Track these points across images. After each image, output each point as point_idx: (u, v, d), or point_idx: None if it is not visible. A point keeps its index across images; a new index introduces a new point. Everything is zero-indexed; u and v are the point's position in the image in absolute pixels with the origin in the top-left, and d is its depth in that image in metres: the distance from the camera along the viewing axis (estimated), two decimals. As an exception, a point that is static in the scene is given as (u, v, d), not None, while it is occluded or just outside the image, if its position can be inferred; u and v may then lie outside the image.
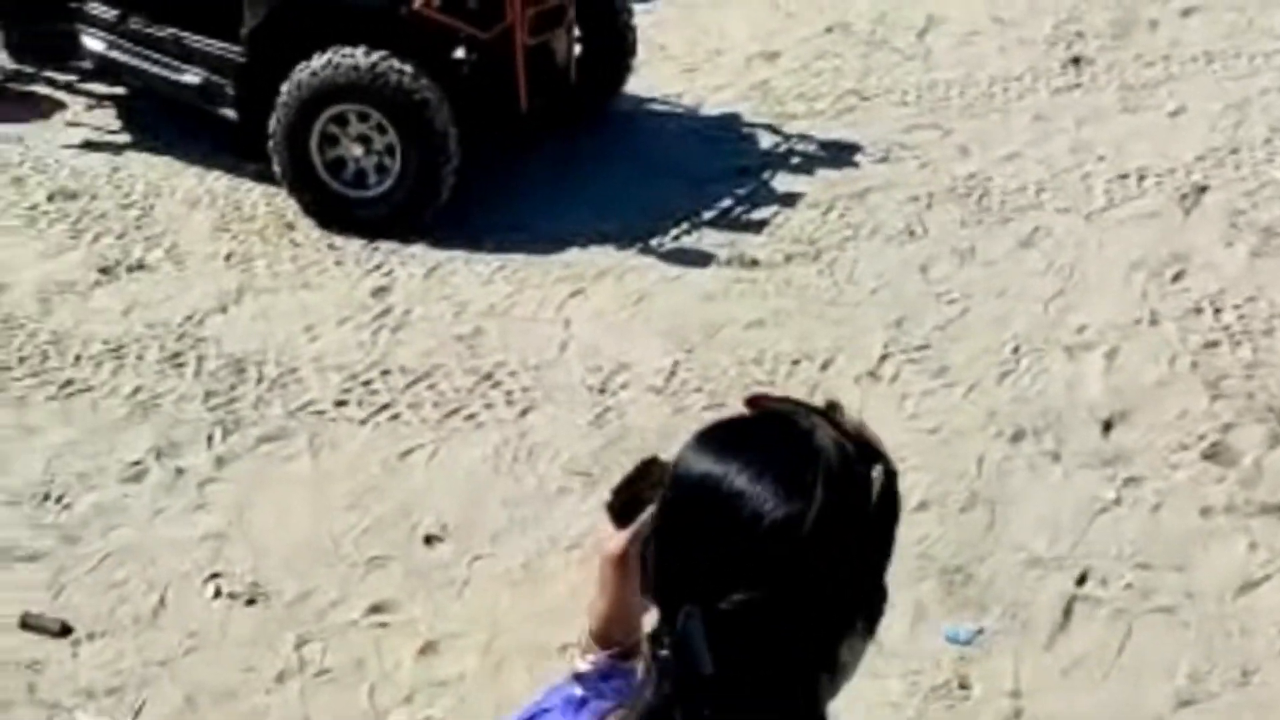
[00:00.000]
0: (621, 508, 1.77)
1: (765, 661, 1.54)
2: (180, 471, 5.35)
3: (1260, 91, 8.15)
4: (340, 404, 5.71)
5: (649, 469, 1.76)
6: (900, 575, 4.76)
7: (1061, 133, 7.79)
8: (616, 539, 1.78)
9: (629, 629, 1.82)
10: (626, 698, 1.67)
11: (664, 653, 1.56)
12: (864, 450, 1.57)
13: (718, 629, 1.52)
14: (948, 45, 8.76)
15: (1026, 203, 7.16)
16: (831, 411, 1.61)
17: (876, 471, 1.56)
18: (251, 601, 4.81)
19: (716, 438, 1.60)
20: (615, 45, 7.87)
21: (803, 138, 7.77)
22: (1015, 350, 6.01)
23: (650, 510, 1.69)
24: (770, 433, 1.59)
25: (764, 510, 1.52)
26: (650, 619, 1.64)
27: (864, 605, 1.58)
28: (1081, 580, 4.87)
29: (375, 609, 4.79)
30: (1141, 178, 7.28)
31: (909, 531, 4.93)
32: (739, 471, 1.54)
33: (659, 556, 1.61)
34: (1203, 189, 7.20)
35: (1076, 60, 8.58)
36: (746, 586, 1.51)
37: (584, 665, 1.85)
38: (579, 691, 1.79)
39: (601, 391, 5.82)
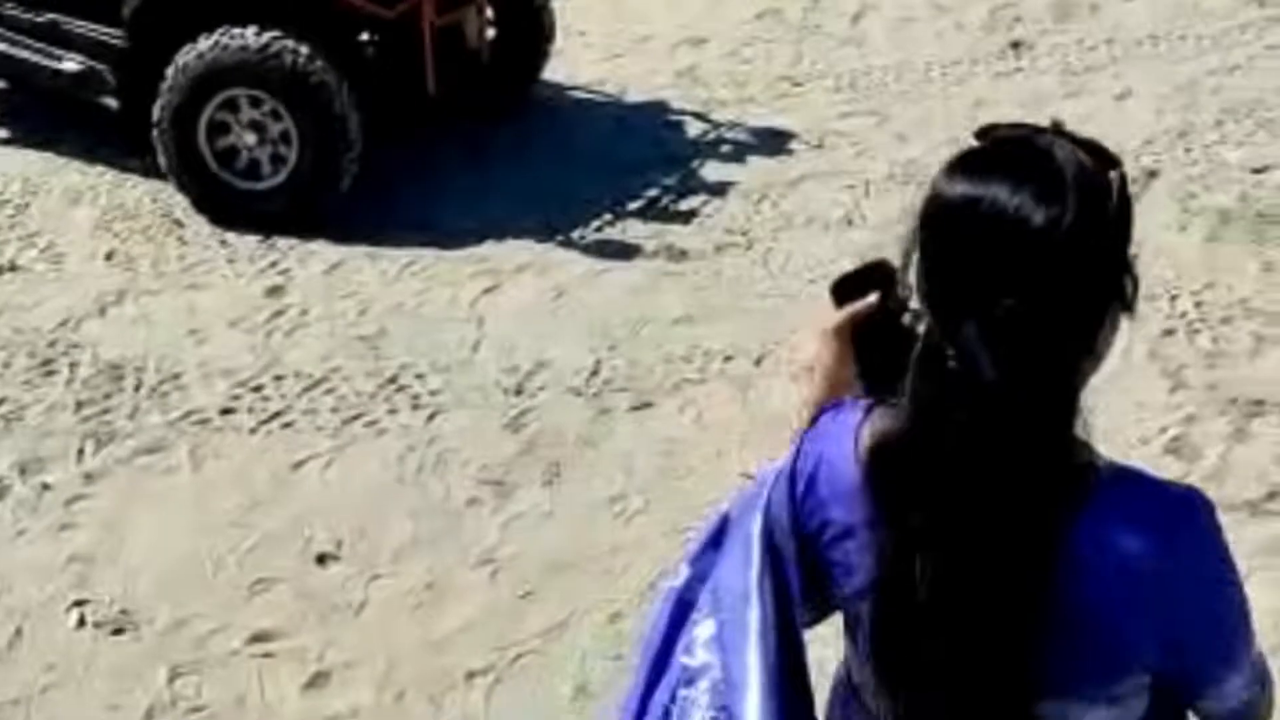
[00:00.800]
0: (844, 293, 1.99)
1: (1038, 359, 1.71)
2: (45, 488, 4.81)
3: (1208, 72, 7.78)
4: (227, 412, 5.19)
5: (877, 269, 1.99)
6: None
7: (1002, 118, 7.28)
8: (839, 315, 2.01)
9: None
10: None
11: (952, 364, 1.72)
12: (1098, 156, 1.77)
13: (994, 335, 1.70)
14: (883, 30, 8.34)
15: (970, 189, 6.73)
16: (1059, 129, 1.80)
17: (1114, 174, 1.76)
18: (119, 631, 4.28)
19: (967, 164, 1.78)
20: (531, 27, 7.38)
21: (733, 125, 7.32)
22: (964, 342, 5.57)
23: (865, 300, 1.97)
24: (1016, 154, 1.77)
25: (1025, 219, 1.71)
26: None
27: (1119, 291, 1.77)
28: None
29: (259, 637, 4.27)
30: (1090, 162, 6.87)
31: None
32: (997, 189, 1.73)
33: (929, 277, 1.77)
34: (1153, 173, 6.79)
35: (1016, 44, 8.19)
36: (1016, 292, 1.70)
37: None
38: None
39: (517, 393, 5.34)
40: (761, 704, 1.94)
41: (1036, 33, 8.29)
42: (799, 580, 1.97)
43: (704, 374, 5.45)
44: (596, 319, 5.77)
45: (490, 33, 7.32)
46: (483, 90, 7.18)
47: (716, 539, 2.05)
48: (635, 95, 7.63)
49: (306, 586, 4.46)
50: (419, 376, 5.38)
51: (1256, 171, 6.83)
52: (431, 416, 5.19)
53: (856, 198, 6.68)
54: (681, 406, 5.27)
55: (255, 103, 6.28)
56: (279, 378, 5.37)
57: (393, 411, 5.21)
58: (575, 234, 6.39)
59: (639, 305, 5.87)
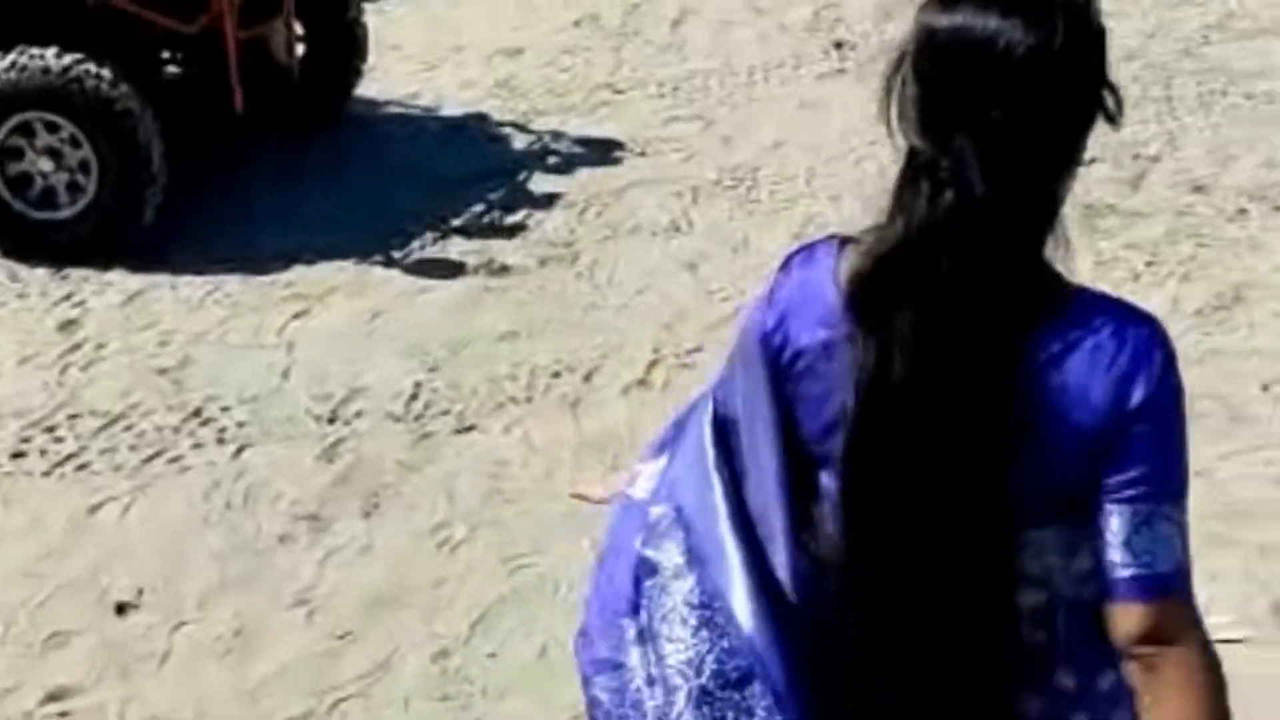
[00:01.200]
0: None
1: (1027, 173, 1.82)
2: None
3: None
4: (17, 456, 4.84)
5: None
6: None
7: (829, 119, 7.25)
8: None
9: None
10: None
11: (943, 176, 1.80)
12: None
13: (986, 148, 1.79)
14: (704, 35, 8.19)
15: (797, 192, 6.60)
16: None
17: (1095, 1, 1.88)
18: (-101, 699, 3.94)
19: None
20: (344, 42, 7.09)
21: (554, 135, 7.10)
22: (797, 348, 5.39)
23: None
24: None
25: (1017, 41, 1.80)
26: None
27: (1102, 103, 1.87)
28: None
29: (55, 695, 3.94)
30: (918, 160, 6.74)
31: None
32: (986, 16, 1.82)
33: (923, 101, 1.84)
34: (982, 168, 6.69)
35: (840, 44, 8.09)
36: (1009, 107, 1.80)
37: None
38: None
39: (331, 421, 5.05)
40: (744, 576, 1.98)
41: (859, 33, 8.20)
42: (776, 419, 1.99)
43: (530, 392, 5.21)
44: (415, 340, 5.51)
45: (300, 48, 7.03)
46: (294, 107, 6.90)
47: (666, 444, 2.13)
48: (452, 108, 7.39)
49: (106, 638, 4.14)
50: (224, 409, 5.08)
51: (1084, 164, 6.76)
52: (239, 450, 4.89)
53: (684, 204, 6.50)
54: (507, 427, 5.02)
55: (52, 128, 5.91)
56: (74, 416, 5.03)
57: (197, 446, 4.89)
58: (391, 252, 6.12)
59: (460, 324, 5.62)
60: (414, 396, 5.18)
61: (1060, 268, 1.87)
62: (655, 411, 5.04)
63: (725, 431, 2.05)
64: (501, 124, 7.24)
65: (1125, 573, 1.82)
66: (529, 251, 6.15)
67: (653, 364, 5.34)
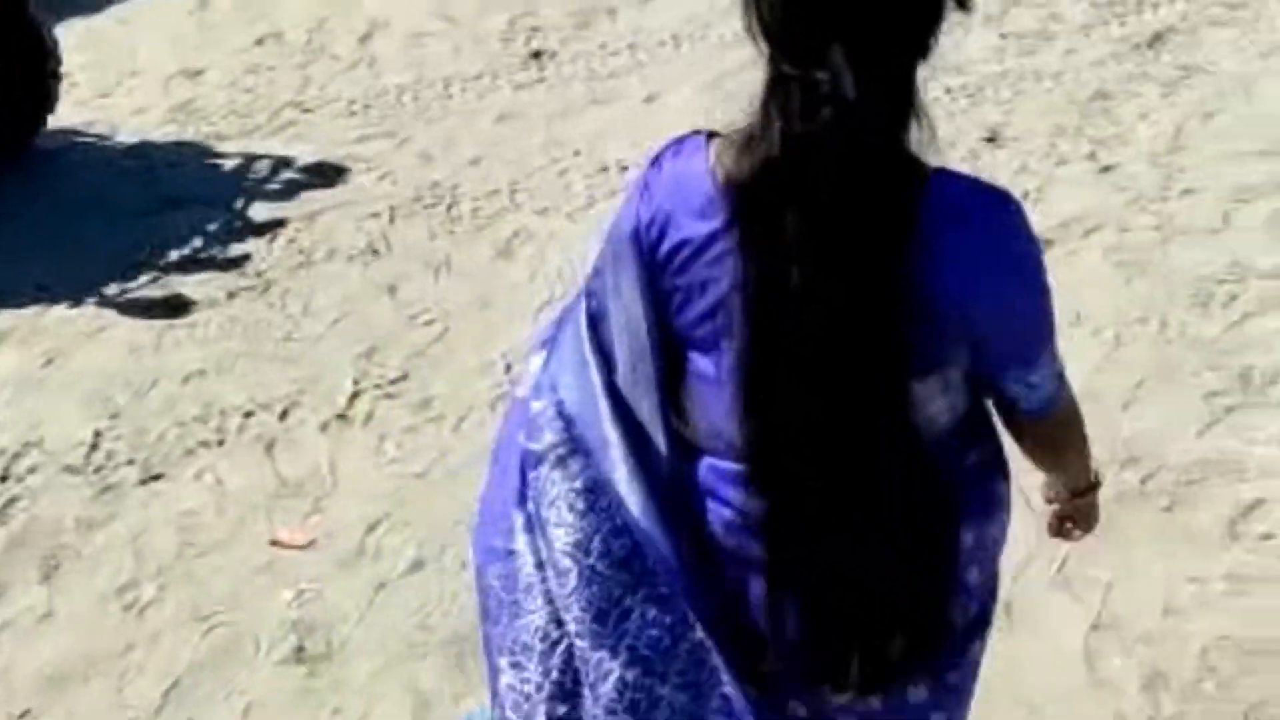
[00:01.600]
0: None
1: (891, 71, 1.88)
2: None
3: (733, 69, 7.61)
4: None
5: None
6: (392, 652, 3.78)
7: (530, 131, 7.02)
8: None
9: None
10: None
11: (823, 86, 1.83)
12: None
13: (856, 56, 1.84)
14: (395, 49, 7.87)
15: (501, 207, 6.34)
16: None
17: None
18: None
19: None
20: (34, 70, 6.58)
21: (240, 159, 6.71)
22: (508, 369, 5.14)
23: None
24: None
25: None
26: None
27: None
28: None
29: None
30: (623, 169, 6.56)
31: (402, 597, 3.97)
32: None
33: (790, 8, 1.87)
34: (688, 174, 6.54)
35: (537, 54, 7.86)
36: (875, 8, 1.85)
37: None
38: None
39: (3, 480, 4.62)
40: (625, 462, 2.04)
41: (558, 41, 7.99)
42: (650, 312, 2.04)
43: (222, 434, 4.85)
44: (94, 385, 5.09)
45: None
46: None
47: (547, 341, 2.17)
48: (129, 135, 6.94)
49: None
50: (-121, 474, 4.61)
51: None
52: (-102, 519, 4.44)
53: (381, 225, 6.18)
54: (198, 474, 4.65)
55: None
56: None
57: None
58: (67, 292, 5.68)
59: (143, 366, 5.22)
60: (94, 447, 4.78)
61: (926, 153, 1.94)
62: (359, 448, 4.75)
63: (597, 325, 2.10)
64: (182, 150, 6.83)
65: (1025, 404, 2.08)
66: (217, 284, 5.77)
67: (354, 396, 5.03)
